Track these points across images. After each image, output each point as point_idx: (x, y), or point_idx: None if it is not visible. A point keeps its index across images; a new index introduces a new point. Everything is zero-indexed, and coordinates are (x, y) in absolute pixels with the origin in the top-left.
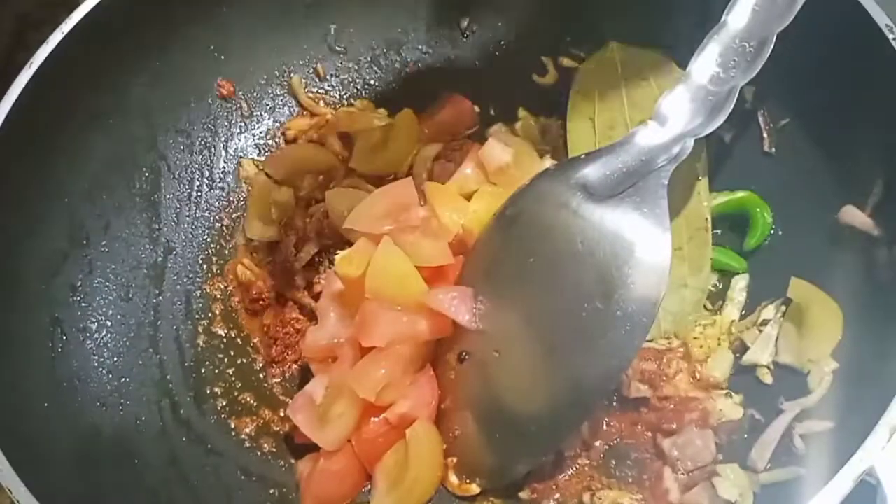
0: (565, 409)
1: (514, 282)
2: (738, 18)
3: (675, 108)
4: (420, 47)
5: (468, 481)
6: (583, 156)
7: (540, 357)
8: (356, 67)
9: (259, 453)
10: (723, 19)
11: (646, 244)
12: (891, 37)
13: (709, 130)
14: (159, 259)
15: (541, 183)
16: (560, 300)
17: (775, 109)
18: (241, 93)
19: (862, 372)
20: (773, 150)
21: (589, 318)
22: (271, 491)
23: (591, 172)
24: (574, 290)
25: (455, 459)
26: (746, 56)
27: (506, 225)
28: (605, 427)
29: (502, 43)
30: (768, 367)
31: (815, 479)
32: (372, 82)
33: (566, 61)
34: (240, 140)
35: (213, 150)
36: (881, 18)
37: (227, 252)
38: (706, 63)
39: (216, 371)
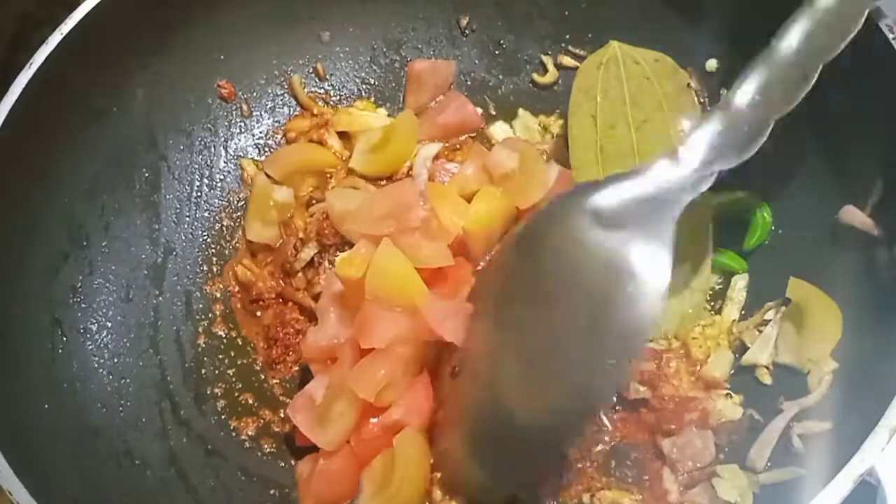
0: (555, 429)
1: (519, 300)
2: (787, 45)
3: (708, 138)
4: (420, 46)
5: (449, 498)
6: (600, 181)
7: (535, 376)
8: (356, 67)
9: (259, 454)
10: (771, 45)
11: (647, 270)
12: (891, 36)
13: (734, 164)
14: (159, 259)
15: (553, 206)
16: (561, 319)
17: None
18: (241, 93)
19: (862, 372)
20: (773, 150)
21: (587, 338)
22: (272, 492)
23: (604, 199)
24: (575, 310)
25: (439, 475)
26: (790, 86)
27: (519, 245)
28: (604, 428)
29: (502, 42)
30: (768, 368)
31: (815, 479)
32: (372, 81)
33: (566, 60)
34: (240, 140)
35: (213, 150)
36: (881, 17)
37: (227, 252)
38: (747, 90)
39: (216, 372)
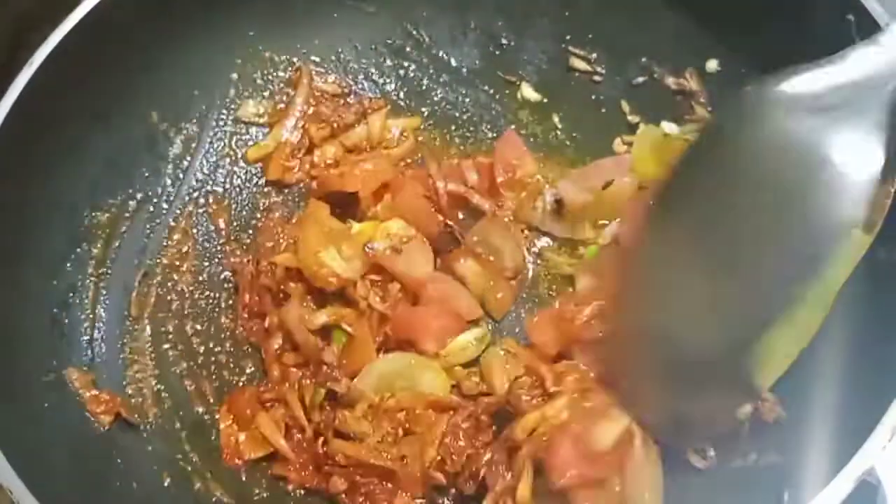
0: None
1: (710, 204)
2: None
3: None
4: (420, 46)
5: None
6: (794, 69)
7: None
8: (355, 68)
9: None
10: None
11: (848, 155)
12: None
13: None
14: (159, 260)
15: (744, 100)
16: (746, 223)
17: None
18: (241, 93)
19: (862, 371)
20: None
21: (776, 242)
22: (276, 487)
23: (800, 85)
24: (761, 210)
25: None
26: None
27: (698, 157)
28: None
29: (502, 42)
30: None
31: (816, 479)
32: (374, 80)
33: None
34: (240, 140)
35: (213, 150)
36: (883, 19)
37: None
38: None
39: (215, 372)
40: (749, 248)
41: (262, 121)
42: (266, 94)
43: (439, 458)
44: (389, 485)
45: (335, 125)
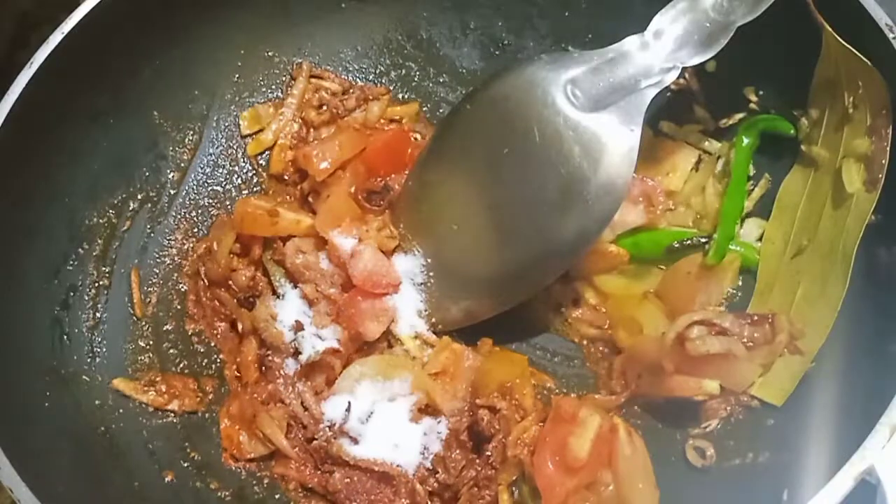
0: (536, 267)
1: (486, 159)
2: None
3: (673, 26)
4: (421, 47)
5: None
6: (576, 54)
7: (505, 232)
8: (355, 68)
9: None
10: None
11: (617, 146)
12: (891, 36)
13: (698, 61)
14: (159, 259)
15: (533, 72)
16: (527, 186)
17: (778, 108)
18: (241, 92)
19: (862, 370)
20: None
21: (555, 203)
22: (275, 486)
23: (582, 77)
24: (543, 179)
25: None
26: None
27: (488, 104)
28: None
29: (502, 42)
30: None
31: (815, 478)
32: (374, 80)
33: None
34: (240, 140)
35: (212, 150)
36: (881, 18)
37: None
38: None
39: (215, 370)
40: (536, 203)
41: (261, 127)
42: (266, 94)
43: (432, 466)
44: (389, 487)
45: (335, 110)
